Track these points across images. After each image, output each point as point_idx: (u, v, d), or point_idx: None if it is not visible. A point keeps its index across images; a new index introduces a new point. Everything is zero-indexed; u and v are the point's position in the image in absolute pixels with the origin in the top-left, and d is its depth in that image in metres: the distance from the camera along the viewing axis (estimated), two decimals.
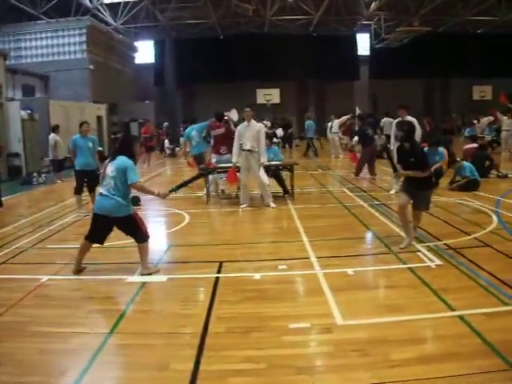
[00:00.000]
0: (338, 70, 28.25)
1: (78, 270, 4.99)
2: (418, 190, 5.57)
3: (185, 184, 5.45)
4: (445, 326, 3.52)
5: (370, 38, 28.21)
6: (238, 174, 8.55)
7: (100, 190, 4.87)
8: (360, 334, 3.48)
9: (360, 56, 30.52)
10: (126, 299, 4.31)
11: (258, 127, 8.28)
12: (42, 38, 21.40)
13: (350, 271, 4.82)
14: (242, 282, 4.71)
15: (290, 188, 9.15)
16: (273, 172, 9.15)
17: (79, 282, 4.89)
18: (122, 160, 4.76)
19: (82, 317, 3.99)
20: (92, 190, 8.25)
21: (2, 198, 10.76)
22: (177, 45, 29.04)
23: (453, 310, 3.77)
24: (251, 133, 8.14)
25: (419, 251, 5.35)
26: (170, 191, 4.99)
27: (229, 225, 7.49)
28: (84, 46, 21.58)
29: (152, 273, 4.95)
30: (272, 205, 8.25)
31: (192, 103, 31.45)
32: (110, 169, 4.74)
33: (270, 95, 30.48)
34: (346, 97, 27.71)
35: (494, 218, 6.78)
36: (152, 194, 5.12)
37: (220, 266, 5.18)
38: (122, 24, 26.02)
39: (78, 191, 8.50)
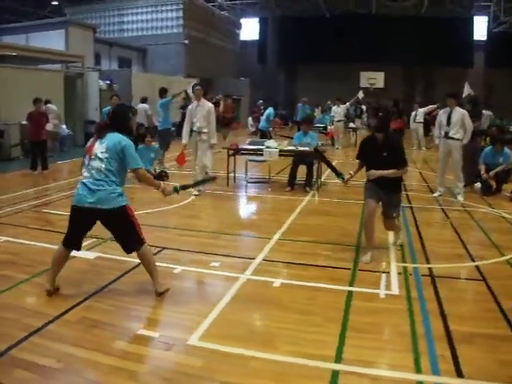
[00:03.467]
0: (450, 55, 24.96)
1: (53, 290, 3.68)
2: (387, 194, 4.47)
3: (195, 185, 4.48)
4: (298, 380, 2.59)
5: (488, 21, 24.45)
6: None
7: (84, 175, 3.59)
8: (191, 361, 2.79)
9: (475, 41, 26.66)
10: (37, 270, 4.13)
11: (208, 107, 7.59)
12: (142, 13, 22.35)
13: (277, 282, 3.95)
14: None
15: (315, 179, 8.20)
16: (304, 159, 8.24)
17: (22, 247, 4.84)
18: (117, 138, 3.57)
19: None
20: None
21: (60, 162, 11.54)
22: (281, 22, 28.41)
23: (338, 361, 2.75)
24: (202, 112, 7.49)
25: (387, 272, 4.20)
26: (175, 190, 4.02)
27: (218, 210, 6.84)
28: (180, 21, 22.03)
29: (167, 290, 3.79)
30: (195, 192, 7.51)
31: (294, 82, 30.87)
32: (100, 149, 3.55)
33: (373, 79, 28.45)
34: (457, 85, 24.43)
35: None
36: (156, 187, 3.84)
37: (157, 253, 4.69)
38: (226, 1, 26.17)
39: None
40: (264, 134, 12.61)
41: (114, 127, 3.67)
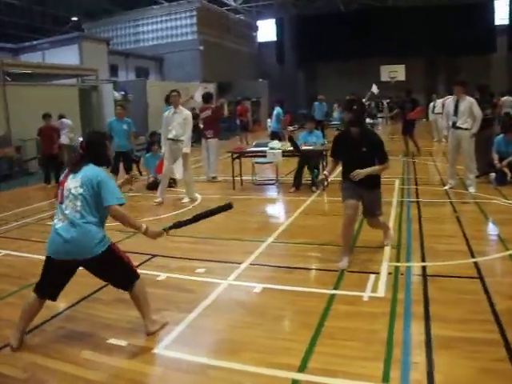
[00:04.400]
0: (472, 42, 23.94)
1: (20, 342, 3.06)
2: (369, 191, 4.19)
3: (195, 219, 3.59)
4: None
5: (510, 4, 23.35)
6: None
7: (56, 219, 3.08)
8: (151, 370, 2.78)
9: (497, 26, 25.49)
10: (27, 282, 4.09)
11: (185, 114, 7.32)
12: (156, 22, 22.61)
13: (259, 288, 3.80)
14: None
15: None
16: (310, 158, 8.05)
17: (19, 259, 4.94)
18: (93, 171, 3.05)
19: None
20: (128, 171, 8.74)
21: None
22: (297, 21, 28.25)
23: (301, 370, 2.59)
24: (178, 120, 7.25)
25: (376, 273, 3.98)
26: (165, 230, 3.28)
27: (218, 214, 6.71)
28: (194, 28, 22.15)
29: (162, 327, 3.27)
30: (185, 200, 7.47)
31: (314, 81, 30.57)
32: (73, 184, 3.02)
33: (395, 72, 27.73)
34: (481, 72, 23.58)
35: None
36: (136, 228, 3.15)
37: (146, 260, 4.68)
38: (241, 4, 26.16)
39: (113, 171, 8.74)
40: (276, 136, 12.29)
41: (89, 158, 3.13)
